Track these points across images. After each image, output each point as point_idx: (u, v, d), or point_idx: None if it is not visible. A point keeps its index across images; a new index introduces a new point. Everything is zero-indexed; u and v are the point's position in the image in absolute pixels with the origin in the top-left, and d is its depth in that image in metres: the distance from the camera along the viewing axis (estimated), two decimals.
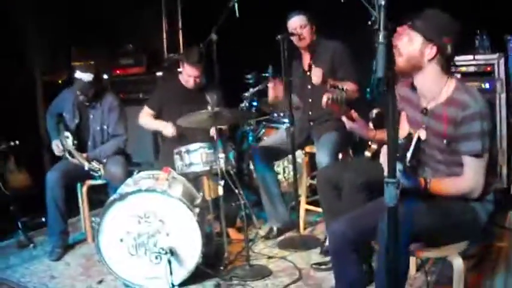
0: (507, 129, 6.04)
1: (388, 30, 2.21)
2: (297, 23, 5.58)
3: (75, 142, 5.73)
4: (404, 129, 3.66)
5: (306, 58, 5.72)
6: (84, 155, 5.65)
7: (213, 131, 5.21)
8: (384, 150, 3.37)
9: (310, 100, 5.71)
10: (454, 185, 3.37)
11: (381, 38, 2.19)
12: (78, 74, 5.68)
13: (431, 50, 3.32)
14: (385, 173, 2.85)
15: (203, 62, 5.81)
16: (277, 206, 5.77)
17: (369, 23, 3.44)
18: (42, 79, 7.87)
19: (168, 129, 5.79)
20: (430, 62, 3.36)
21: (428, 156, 3.52)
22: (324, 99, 3.85)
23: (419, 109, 3.54)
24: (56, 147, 5.88)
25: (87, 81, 5.69)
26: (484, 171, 3.31)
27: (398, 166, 3.09)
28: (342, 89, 3.87)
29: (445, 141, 3.36)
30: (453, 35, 3.33)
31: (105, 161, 5.74)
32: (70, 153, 5.63)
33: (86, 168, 5.37)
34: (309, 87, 5.67)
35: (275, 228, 5.82)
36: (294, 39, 5.55)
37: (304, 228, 5.88)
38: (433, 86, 3.41)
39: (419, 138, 3.47)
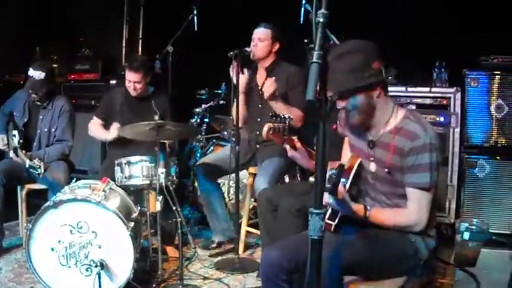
0: (459, 164, 5.99)
1: (324, 50, 2.08)
2: (258, 33, 5.52)
3: (21, 141, 5.59)
4: (346, 154, 3.58)
5: (262, 76, 5.60)
6: (28, 153, 5.55)
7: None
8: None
9: (259, 119, 5.58)
10: (396, 216, 3.28)
11: (315, 57, 2.05)
12: (31, 72, 5.66)
13: (376, 90, 3.22)
14: (324, 202, 2.76)
15: (143, 70, 5.71)
16: (221, 222, 5.72)
17: (305, 41, 3.36)
18: (2, 79, 7.76)
19: (111, 132, 5.75)
20: (379, 97, 3.25)
21: (370, 185, 3.42)
22: (265, 129, 3.78)
23: (362, 137, 3.44)
24: (1, 140, 5.77)
25: (39, 79, 5.66)
26: (429, 206, 3.23)
27: (329, 197, 3.01)
28: (285, 118, 3.78)
29: (386, 169, 3.27)
30: (377, 54, 3.22)
31: (47, 163, 5.63)
32: (15, 150, 5.50)
33: (27, 165, 5.32)
34: (260, 105, 5.58)
35: (216, 241, 5.77)
36: (250, 48, 5.45)
37: (244, 251, 5.79)
38: (380, 116, 3.31)
39: (360, 166, 3.37)
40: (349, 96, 3.21)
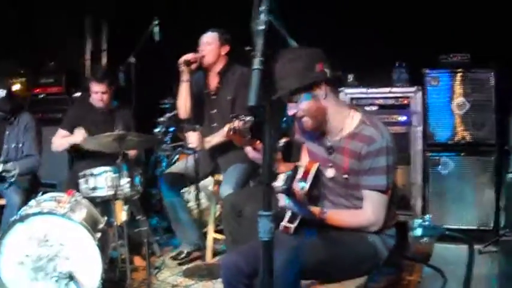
0: (423, 162, 6.07)
1: (266, 56, 2.11)
2: (205, 38, 5.51)
3: None
4: (305, 161, 3.61)
5: (214, 81, 5.59)
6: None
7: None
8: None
9: (213, 125, 5.57)
10: (352, 217, 3.33)
11: (256, 64, 2.09)
12: None
13: (321, 90, 3.26)
14: (279, 205, 2.79)
15: (108, 80, 5.81)
16: (187, 230, 5.69)
17: (247, 48, 3.37)
18: None
19: (76, 137, 5.81)
20: (327, 99, 3.29)
21: (328, 188, 3.46)
22: (225, 129, 3.79)
23: (320, 143, 3.48)
24: None
25: (0, 97, 5.63)
26: (386, 207, 3.28)
27: (285, 198, 3.03)
28: (245, 119, 3.80)
29: (345, 175, 3.31)
30: (320, 57, 3.27)
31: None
32: None
33: (0, 169, 5.23)
34: (212, 112, 5.59)
35: (185, 251, 5.74)
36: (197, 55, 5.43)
37: (213, 257, 5.78)
38: (335, 121, 3.35)
39: (318, 169, 3.40)
40: (296, 100, 3.26)
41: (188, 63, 5.23)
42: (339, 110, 3.34)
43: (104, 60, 8.96)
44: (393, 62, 6.36)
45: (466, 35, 6.14)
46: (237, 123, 3.78)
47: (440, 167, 6.04)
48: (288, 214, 3.29)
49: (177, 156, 7.02)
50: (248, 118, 3.82)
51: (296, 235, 3.27)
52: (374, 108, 6.13)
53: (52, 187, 6.11)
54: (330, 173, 3.41)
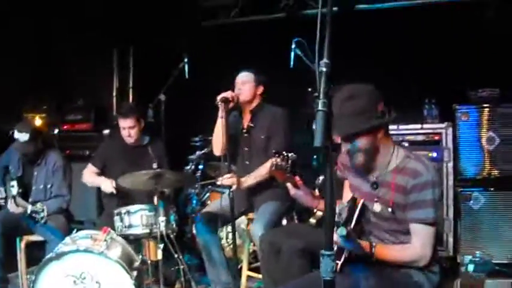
0: (454, 198, 6.04)
1: (328, 97, 2.14)
2: (241, 77, 5.52)
3: (20, 190, 5.57)
4: (347, 197, 3.61)
5: (247, 119, 5.60)
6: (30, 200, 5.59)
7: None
8: None
9: (247, 162, 5.56)
10: (401, 252, 3.32)
11: (320, 105, 2.11)
12: (16, 134, 5.68)
13: (380, 133, 3.30)
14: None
15: (133, 115, 5.79)
16: (220, 271, 5.58)
17: (309, 89, 3.41)
18: None
19: (107, 185, 5.73)
20: (382, 139, 3.33)
21: (373, 224, 3.46)
22: (268, 164, 3.80)
23: (364, 178, 3.49)
24: None
25: (23, 141, 5.68)
26: (433, 240, 3.27)
27: (340, 231, 3.02)
28: (287, 156, 3.81)
29: (390, 209, 3.31)
30: (379, 95, 3.30)
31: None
32: (14, 198, 5.47)
33: (29, 211, 5.24)
34: (246, 149, 5.57)
35: None
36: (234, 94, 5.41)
37: None
38: (383, 157, 3.37)
39: (363, 205, 3.41)
40: (354, 139, 3.28)
41: (226, 100, 5.24)
42: (388, 146, 3.36)
43: (131, 97, 9.02)
44: (423, 98, 6.36)
45: (495, 70, 6.15)
46: (279, 160, 3.78)
47: (471, 202, 6.00)
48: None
49: (207, 194, 7.00)
50: (290, 155, 3.82)
51: (342, 272, 3.27)
52: (405, 144, 6.10)
53: (80, 224, 6.10)
54: (375, 207, 3.42)
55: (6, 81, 7.84)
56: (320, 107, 2.11)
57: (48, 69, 8.28)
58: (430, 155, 6.11)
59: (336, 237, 3.14)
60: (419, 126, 6.21)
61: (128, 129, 5.80)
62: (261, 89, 5.52)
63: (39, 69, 8.23)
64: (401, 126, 6.25)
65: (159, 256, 4.78)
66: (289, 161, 3.79)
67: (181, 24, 8.15)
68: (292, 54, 5.43)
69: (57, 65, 8.32)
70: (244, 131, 5.55)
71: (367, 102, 3.24)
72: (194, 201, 7.07)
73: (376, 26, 6.87)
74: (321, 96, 2.13)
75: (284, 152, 3.84)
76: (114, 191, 5.62)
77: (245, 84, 5.47)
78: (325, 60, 2.19)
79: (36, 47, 8.14)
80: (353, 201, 3.42)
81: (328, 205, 2.26)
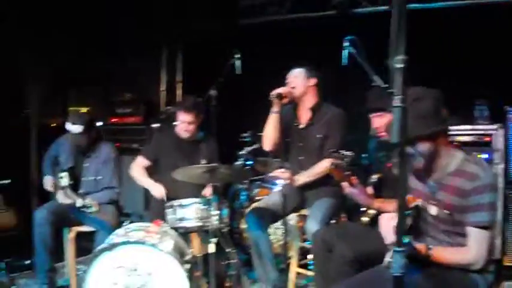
0: (503, 200, 5.98)
1: (404, 94, 2.14)
2: (292, 74, 5.55)
3: (71, 182, 5.67)
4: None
5: (304, 115, 5.59)
6: (80, 193, 5.65)
7: (207, 190, 5.21)
8: (385, 219, 3.31)
9: (300, 158, 5.55)
10: (457, 254, 3.32)
11: (396, 101, 2.12)
12: (68, 126, 5.70)
13: (442, 138, 3.34)
14: (387, 242, 2.80)
15: (196, 111, 5.82)
16: (268, 268, 5.59)
17: (383, 85, 3.39)
18: (37, 121, 7.85)
19: (157, 191, 5.74)
20: (443, 143, 3.36)
21: (429, 225, 3.47)
22: (324, 164, 3.80)
23: (422, 180, 3.51)
24: (48, 181, 5.90)
25: (77, 132, 5.70)
26: (489, 244, 3.27)
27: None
28: (344, 155, 3.83)
29: (447, 212, 3.31)
30: (442, 99, 3.34)
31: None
32: (64, 190, 5.57)
33: (79, 204, 5.34)
34: (300, 144, 5.56)
35: None
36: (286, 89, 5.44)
37: None
38: (441, 161, 3.38)
39: (421, 207, 3.41)
40: (417, 142, 3.29)
41: (280, 96, 5.25)
42: (447, 149, 3.36)
43: (179, 92, 9.06)
44: (474, 100, 6.30)
45: None
46: (338, 159, 3.80)
47: None
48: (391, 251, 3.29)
49: (257, 189, 7.02)
50: (348, 153, 3.84)
51: None
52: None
53: (127, 216, 6.15)
54: (433, 210, 3.42)
55: (49, 75, 7.94)
56: (397, 103, 2.12)
57: (94, 64, 8.37)
58: (480, 156, 6.06)
59: (392, 238, 3.16)
60: (470, 127, 6.15)
61: (187, 123, 5.82)
62: (313, 81, 5.52)
63: (85, 63, 8.32)
64: (451, 127, 6.17)
65: (212, 250, 4.78)
66: (347, 160, 3.81)
67: (232, 20, 8.18)
68: (346, 52, 5.43)
69: (104, 56, 8.36)
70: (302, 126, 5.56)
71: (432, 107, 3.26)
72: (243, 197, 7.14)
73: (427, 25, 6.82)
74: (397, 92, 2.14)
75: (342, 151, 3.86)
76: (165, 198, 5.56)
77: (296, 78, 5.50)
78: (401, 56, 2.19)
79: (85, 41, 8.21)
80: (416, 208, 3.42)
81: (401, 202, 2.26)
